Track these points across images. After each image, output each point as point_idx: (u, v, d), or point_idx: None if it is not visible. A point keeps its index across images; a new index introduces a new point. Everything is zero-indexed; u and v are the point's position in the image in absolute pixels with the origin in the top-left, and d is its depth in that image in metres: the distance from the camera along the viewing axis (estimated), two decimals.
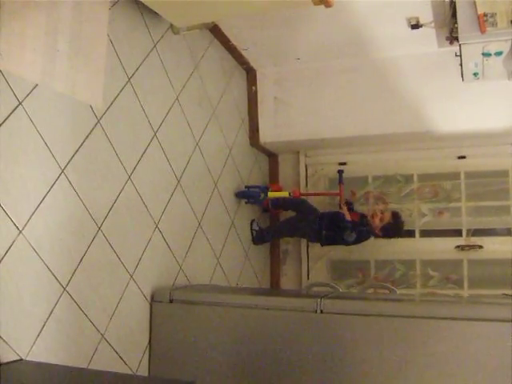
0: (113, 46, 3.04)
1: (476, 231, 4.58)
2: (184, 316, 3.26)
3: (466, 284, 4.56)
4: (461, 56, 3.69)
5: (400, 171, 4.83)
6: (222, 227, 4.35)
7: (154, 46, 3.44)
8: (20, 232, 2.39)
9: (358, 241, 4.46)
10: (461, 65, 3.76)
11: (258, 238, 4.88)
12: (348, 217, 4.41)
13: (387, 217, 4.31)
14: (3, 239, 2.32)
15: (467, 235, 4.59)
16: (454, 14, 3.64)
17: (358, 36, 4.16)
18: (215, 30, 4.11)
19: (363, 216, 4.49)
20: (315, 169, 5.13)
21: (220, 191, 4.30)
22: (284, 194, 4.71)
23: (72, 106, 2.72)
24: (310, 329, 2.96)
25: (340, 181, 4.66)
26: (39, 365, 2.43)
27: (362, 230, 4.42)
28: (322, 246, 4.68)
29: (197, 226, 3.91)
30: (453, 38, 3.80)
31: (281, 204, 4.93)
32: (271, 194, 4.73)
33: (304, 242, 5.09)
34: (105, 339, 2.91)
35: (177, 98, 3.70)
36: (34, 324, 2.48)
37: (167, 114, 3.57)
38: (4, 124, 2.30)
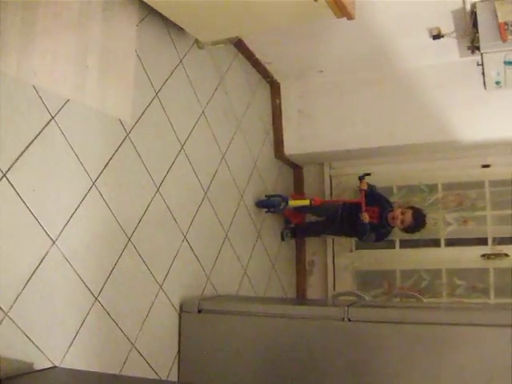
0: (140, 61, 3.12)
1: (502, 239, 4.58)
2: (212, 325, 3.31)
3: (492, 293, 4.55)
4: (483, 65, 3.72)
5: (424, 181, 4.86)
6: (248, 238, 4.40)
7: (180, 61, 3.52)
8: (53, 243, 2.46)
9: (379, 240, 4.49)
10: (483, 74, 3.79)
11: (298, 231, 5.10)
12: (366, 218, 4.27)
13: (408, 218, 4.25)
14: (38, 250, 2.40)
15: (493, 244, 4.59)
16: (474, 24, 3.68)
17: (380, 47, 4.20)
18: (239, 45, 4.19)
19: (382, 216, 4.40)
20: (340, 180, 5.18)
21: (246, 203, 4.35)
22: (305, 202, 4.57)
23: (102, 120, 2.80)
24: (338, 337, 2.99)
25: (362, 190, 4.45)
26: (72, 372, 2.49)
27: (381, 231, 4.41)
28: (346, 237, 4.93)
29: (224, 238, 3.96)
30: (474, 47, 3.84)
31: (302, 208, 4.81)
32: (292, 203, 4.61)
33: (330, 252, 5.12)
34: (135, 348, 2.97)
35: (203, 112, 3.78)
36: (67, 332, 2.55)
37: (194, 127, 3.65)
38: (38, 138, 2.39)
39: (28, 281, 2.33)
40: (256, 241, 4.52)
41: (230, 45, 4.05)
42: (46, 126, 2.44)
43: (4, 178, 2.22)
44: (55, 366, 2.46)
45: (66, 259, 2.54)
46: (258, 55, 4.41)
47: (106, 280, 2.79)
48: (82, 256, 2.64)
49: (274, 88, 4.93)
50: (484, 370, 2.59)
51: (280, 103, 4.88)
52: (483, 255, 4.57)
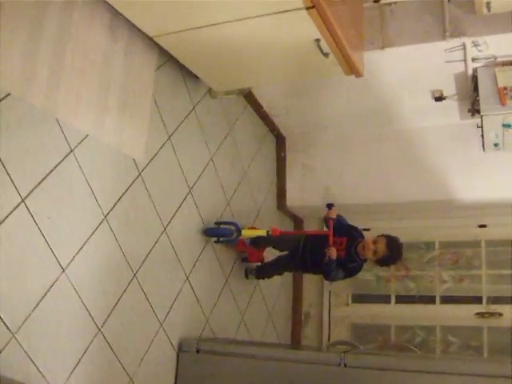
0: (156, 104, 3.27)
1: (496, 299, 4.66)
2: (210, 366, 3.35)
3: (486, 351, 4.61)
4: (482, 127, 3.89)
5: (422, 238, 4.97)
6: (247, 285, 4.47)
7: (193, 108, 3.67)
8: (63, 271, 2.55)
9: (348, 276, 3.92)
10: (482, 136, 3.95)
11: (259, 272, 4.43)
12: (333, 254, 3.64)
13: (382, 248, 3.65)
14: (48, 276, 2.49)
15: (487, 302, 4.67)
16: (475, 88, 3.87)
17: (384, 106, 4.37)
18: (249, 97, 4.37)
19: (351, 249, 3.77)
20: None
21: None
22: (261, 232, 3.94)
23: (117, 157, 2.93)
24: (333, 383, 3.05)
25: (331, 219, 3.81)
26: None
27: (349, 267, 3.80)
28: (307, 273, 4.43)
29: (224, 282, 4.04)
30: (474, 110, 4.00)
31: (261, 241, 4.23)
32: (246, 233, 3.93)
33: (326, 304, 5.17)
34: (133, 383, 3.02)
35: (211, 158, 3.92)
36: (69, 361, 2.61)
37: (202, 172, 3.78)
38: (56, 168, 2.51)
39: (37, 305, 2.40)
40: (254, 288, 4.59)
41: (240, 96, 4.22)
42: (65, 158, 2.57)
43: (22, 204, 2.33)
44: None
45: (74, 288, 2.62)
46: (266, 108, 4.58)
47: (110, 313, 2.86)
48: (89, 286, 2.73)
49: (280, 141, 5.09)
50: None
51: (285, 156, 5.03)
52: (477, 313, 4.64)
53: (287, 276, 5.19)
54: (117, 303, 2.91)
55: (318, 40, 2.93)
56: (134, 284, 3.04)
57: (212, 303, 3.87)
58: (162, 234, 3.30)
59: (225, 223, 3.92)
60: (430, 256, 4.93)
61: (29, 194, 2.36)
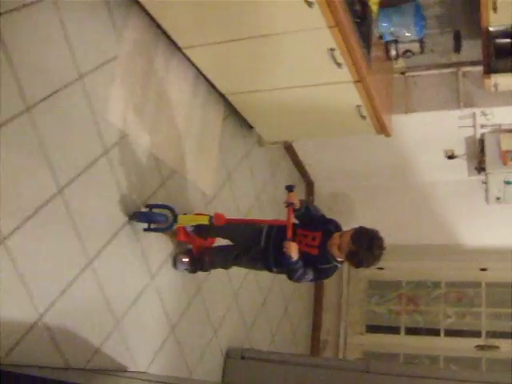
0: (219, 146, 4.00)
1: (494, 333, 5.22)
2: (253, 371, 3.99)
3: None
4: (486, 183, 4.59)
5: (430, 278, 5.58)
6: (278, 309, 5.08)
7: (247, 153, 4.39)
8: (151, 280, 3.24)
9: (318, 279, 3.25)
10: (486, 190, 4.65)
11: (194, 266, 3.56)
12: (291, 250, 2.87)
13: (346, 243, 2.87)
14: (141, 281, 3.19)
15: (486, 336, 5.24)
16: (482, 150, 4.58)
17: (403, 161, 5.06)
18: (288, 146, 5.08)
19: (325, 246, 3.00)
20: (356, 272, 5.89)
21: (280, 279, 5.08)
22: (201, 219, 3.21)
23: (195, 188, 3.64)
24: None
25: (289, 204, 3.04)
26: (156, 376, 3.20)
27: (320, 268, 3.05)
28: (273, 273, 3.39)
29: (262, 303, 4.69)
30: (481, 168, 4.70)
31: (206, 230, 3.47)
32: (183, 220, 3.21)
33: (342, 333, 5.76)
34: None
35: (257, 198, 4.61)
36: (150, 352, 3.28)
37: (250, 208, 4.48)
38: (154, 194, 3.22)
39: (132, 304, 3.09)
40: (285, 311, 5.20)
41: (282, 146, 4.95)
42: (160, 186, 3.29)
43: (127, 225, 3.03)
44: (145, 372, 3.18)
45: (158, 294, 3.31)
46: (301, 157, 5.29)
47: (180, 318, 3.53)
48: (168, 294, 3.41)
49: (309, 187, 5.77)
50: None
51: (313, 200, 5.71)
52: (477, 346, 5.21)
53: (308, 304, 5.83)
54: (185, 311, 3.57)
55: (358, 106, 3.65)
56: (199, 295, 3.72)
57: (251, 320, 4.50)
58: None
59: (158, 206, 3.21)
60: (437, 294, 5.53)
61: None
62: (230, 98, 3.83)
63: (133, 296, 3.09)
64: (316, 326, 5.88)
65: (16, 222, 2.32)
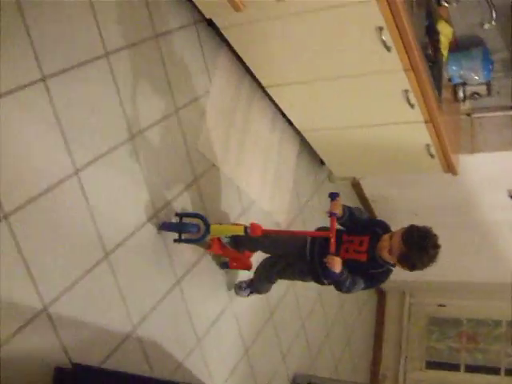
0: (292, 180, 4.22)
1: None
2: None
3: None
4: None
5: (491, 316, 5.65)
6: (341, 337, 5.22)
7: (317, 188, 4.59)
8: (229, 303, 3.45)
9: (371, 287, 3.03)
10: None
11: (253, 288, 3.55)
12: (335, 264, 2.67)
13: (396, 245, 2.70)
14: (221, 305, 3.40)
15: None
16: None
17: (467, 199, 5.17)
18: (356, 183, 5.27)
19: (374, 250, 2.81)
20: (417, 308, 6.00)
21: (345, 316, 5.24)
22: (236, 229, 3.01)
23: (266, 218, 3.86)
24: None
25: (332, 214, 2.79)
26: None
27: (371, 273, 2.86)
28: (325, 285, 3.17)
29: (327, 332, 4.84)
30: None
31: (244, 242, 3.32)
32: (215, 229, 3.04)
33: (402, 368, 5.83)
34: None
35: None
36: (225, 371, 3.47)
37: None
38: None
39: (212, 324, 3.31)
40: (347, 342, 5.34)
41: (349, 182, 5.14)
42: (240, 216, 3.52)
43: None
44: None
45: (236, 320, 3.52)
46: (366, 194, 5.47)
47: (253, 342, 3.72)
48: (245, 320, 3.61)
49: None
50: None
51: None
52: None
53: (369, 337, 5.94)
54: (258, 335, 3.77)
55: (428, 145, 3.83)
56: (272, 322, 3.91)
57: (316, 348, 4.66)
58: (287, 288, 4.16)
59: (189, 215, 3.05)
60: (498, 332, 5.60)
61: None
62: (305, 135, 4.04)
63: (213, 317, 3.32)
64: (376, 360, 5.99)
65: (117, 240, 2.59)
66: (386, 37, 2.91)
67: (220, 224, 3.22)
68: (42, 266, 2.26)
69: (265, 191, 3.80)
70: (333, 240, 2.74)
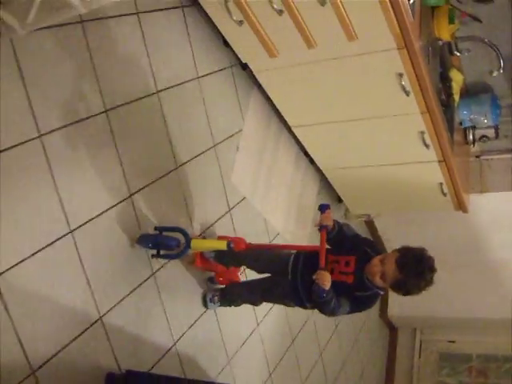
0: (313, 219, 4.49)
1: None
2: None
3: None
4: None
5: (500, 352, 5.81)
6: (358, 371, 5.43)
7: None
8: (257, 326, 3.69)
9: (357, 310, 2.77)
10: None
11: (224, 298, 3.25)
12: (324, 281, 2.47)
13: (390, 269, 2.54)
14: (251, 327, 3.64)
15: None
16: None
17: (476, 237, 5.39)
18: (369, 221, 5.53)
19: (362, 272, 2.64)
20: (428, 344, 6.18)
21: (359, 349, 5.44)
22: (219, 244, 2.92)
23: None
24: None
25: (322, 227, 2.70)
26: None
27: (357, 296, 2.67)
28: (307, 309, 2.96)
29: (342, 364, 5.04)
30: None
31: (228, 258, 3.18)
32: (196, 244, 2.87)
33: None
34: None
35: None
36: None
37: None
38: None
39: (242, 345, 3.54)
40: (361, 375, 5.53)
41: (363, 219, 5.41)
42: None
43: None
44: None
45: (261, 339, 3.75)
46: (380, 232, 5.72)
47: (277, 364, 3.94)
48: (269, 340, 3.85)
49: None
50: None
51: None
52: None
53: (381, 372, 6.12)
54: (281, 360, 3.99)
55: (441, 183, 4.10)
56: (292, 349, 4.13)
57: (332, 378, 4.85)
58: (307, 317, 4.39)
59: (169, 229, 2.86)
60: (507, 367, 5.77)
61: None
62: (326, 173, 4.31)
63: (243, 338, 3.55)
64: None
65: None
66: (405, 82, 3.20)
67: (203, 238, 3.17)
68: (99, 279, 2.53)
69: (288, 224, 4.07)
70: (323, 253, 2.58)
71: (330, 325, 4.74)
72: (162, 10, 2.92)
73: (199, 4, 3.04)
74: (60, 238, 2.34)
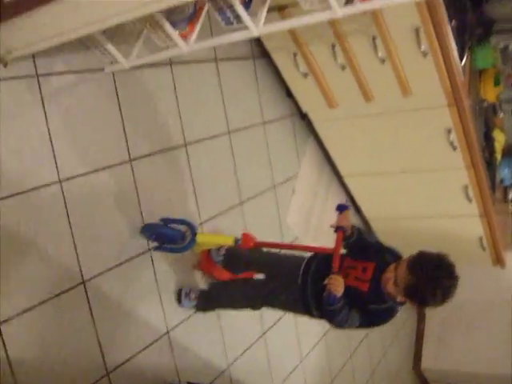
0: None
1: None
2: None
3: None
4: None
5: None
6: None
7: None
8: (300, 362, 3.88)
9: (372, 325, 2.53)
10: None
11: (202, 303, 2.91)
12: (336, 286, 2.27)
13: (401, 275, 2.28)
14: (295, 362, 3.83)
15: None
16: None
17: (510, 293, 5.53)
18: None
19: (378, 281, 2.38)
20: None
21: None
22: (226, 239, 2.67)
23: None
24: None
25: (339, 228, 2.44)
26: None
27: (370, 308, 2.39)
28: (314, 318, 2.63)
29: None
30: None
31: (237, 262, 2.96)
32: (202, 238, 2.64)
33: None
34: None
35: None
36: None
37: None
38: None
39: (286, 378, 3.73)
40: None
41: None
42: None
43: None
44: None
45: (304, 374, 3.94)
46: None
47: None
48: (309, 379, 4.02)
49: (421, 314, 6.26)
50: None
51: (424, 327, 6.16)
52: None
53: None
54: None
55: (481, 238, 4.28)
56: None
57: None
58: (348, 359, 4.56)
59: (175, 222, 2.66)
60: None
61: None
62: (370, 223, 4.54)
63: (288, 370, 3.74)
64: None
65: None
66: (453, 137, 3.45)
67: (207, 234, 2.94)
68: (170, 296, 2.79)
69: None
70: (337, 256, 2.37)
71: (366, 367, 4.89)
72: (236, 59, 3.26)
73: (269, 56, 3.37)
74: None
